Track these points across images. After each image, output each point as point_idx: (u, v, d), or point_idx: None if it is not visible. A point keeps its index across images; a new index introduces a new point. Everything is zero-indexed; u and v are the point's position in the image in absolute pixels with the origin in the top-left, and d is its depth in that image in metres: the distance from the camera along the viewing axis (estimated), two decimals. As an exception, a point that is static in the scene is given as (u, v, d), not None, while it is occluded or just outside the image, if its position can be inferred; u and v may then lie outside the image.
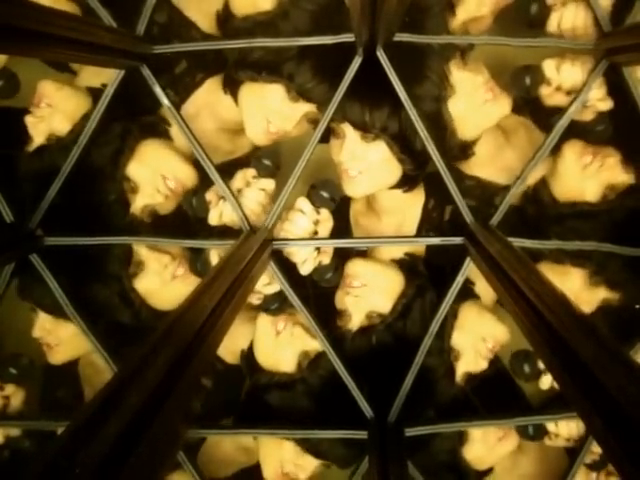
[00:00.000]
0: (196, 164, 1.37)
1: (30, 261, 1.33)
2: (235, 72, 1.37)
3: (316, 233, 1.34)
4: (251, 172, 1.35)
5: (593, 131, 1.32)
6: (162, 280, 1.40)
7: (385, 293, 1.38)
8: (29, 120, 1.39)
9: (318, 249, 1.35)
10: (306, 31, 1.28)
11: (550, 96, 1.33)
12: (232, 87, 1.40)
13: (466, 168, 1.48)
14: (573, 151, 1.34)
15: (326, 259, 1.37)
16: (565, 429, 1.37)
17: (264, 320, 1.41)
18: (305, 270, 1.35)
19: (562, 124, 1.24)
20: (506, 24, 1.42)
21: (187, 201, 1.38)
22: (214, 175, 1.31)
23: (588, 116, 1.32)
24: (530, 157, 1.29)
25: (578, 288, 1.36)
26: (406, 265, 1.43)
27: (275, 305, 1.39)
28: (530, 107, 1.46)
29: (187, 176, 1.39)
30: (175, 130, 1.41)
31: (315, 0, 1.30)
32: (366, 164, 1.32)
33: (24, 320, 1.49)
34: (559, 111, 1.30)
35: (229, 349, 1.51)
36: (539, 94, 1.34)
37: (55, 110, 1.37)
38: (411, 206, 1.51)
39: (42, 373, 1.59)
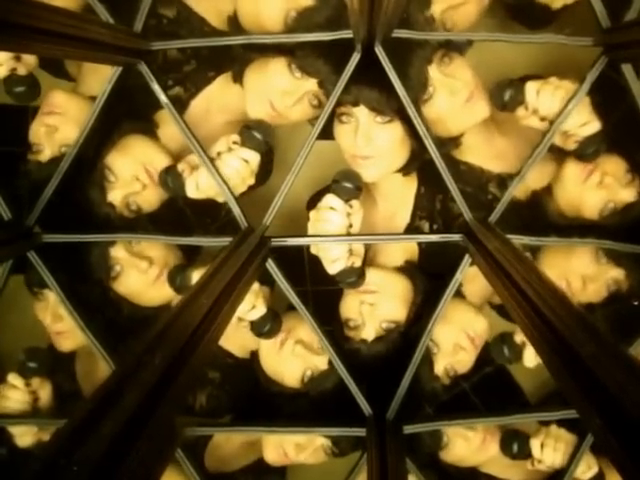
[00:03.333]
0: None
1: (28, 258, 1.32)
2: (243, 55, 1.37)
3: (351, 226, 1.30)
4: (234, 137, 1.31)
5: (583, 155, 1.28)
6: (143, 283, 1.39)
7: (399, 300, 1.38)
8: (40, 130, 1.38)
9: (351, 250, 1.31)
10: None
11: (525, 118, 1.29)
12: (240, 75, 1.39)
13: (458, 154, 1.48)
14: (575, 167, 1.33)
15: (358, 261, 1.33)
16: (549, 457, 1.36)
17: None
18: (333, 269, 1.31)
19: (560, 121, 1.24)
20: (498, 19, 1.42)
21: (163, 182, 1.33)
22: (210, 168, 1.29)
23: (570, 145, 1.28)
24: (527, 154, 1.28)
25: (586, 265, 1.37)
26: (409, 271, 1.43)
27: (267, 327, 1.33)
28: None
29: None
30: (165, 132, 1.41)
31: (319, 23, 1.27)
32: (379, 147, 1.31)
33: (26, 318, 1.50)
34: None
35: (238, 344, 1.51)
36: (515, 113, 1.30)
37: (68, 120, 1.37)
38: (406, 192, 1.50)
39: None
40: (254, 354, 1.47)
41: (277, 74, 1.33)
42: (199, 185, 1.30)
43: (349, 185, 1.28)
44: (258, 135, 1.30)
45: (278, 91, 1.33)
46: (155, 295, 1.42)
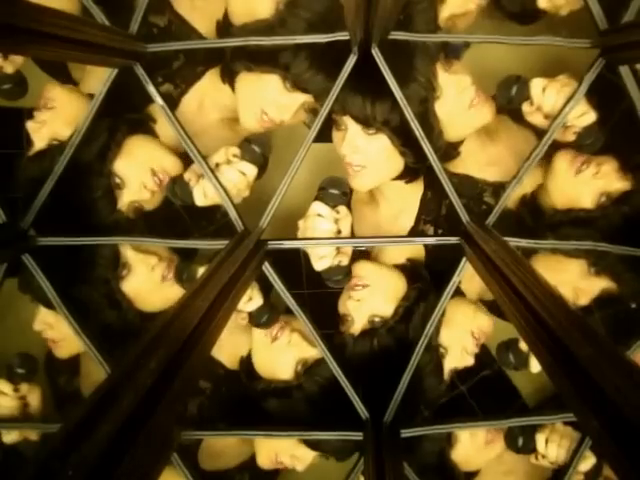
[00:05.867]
0: (185, 158, 1.36)
1: (22, 261, 1.31)
2: (232, 62, 1.37)
3: (339, 232, 1.31)
4: (234, 150, 1.32)
5: (583, 146, 1.30)
6: (150, 282, 1.38)
7: (387, 296, 1.37)
8: (31, 125, 1.37)
9: (338, 248, 1.31)
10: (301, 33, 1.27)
11: (530, 114, 1.32)
12: (229, 77, 1.40)
13: (453, 167, 1.48)
14: (565, 159, 1.34)
15: (345, 260, 1.33)
16: (553, 453, 1.36)
17: (259, 330, 1.40)
18: (320, 266, 1.32)
19: (558, 122, 1.24)
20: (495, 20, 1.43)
21: (171, 192, 1.34)
22: (207, 172, 1.29)
23: (570, 137, 1.30)
24: (524, 157, 1.28)
25: (577, 277, 1.36)
26: (408, 269, 1.43)
27: (264, 318, 1.35)
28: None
29: (174, 168, 1.37)
30: (161, 127, 1.40)
31: (312, 7, 1.28)
32: (368, 157, 1.32)
33: (22, 320, 1.49)
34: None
35: (230, 355, 1.51)
36: (521, 109, 1.32)
37: (58, 114, 1.36)
38: (410, 195, 1.50)
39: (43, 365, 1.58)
40: (244, 358, 1.46)
41: (272, 90, 1.33)
42: (206, 192, 1.31)
43: (335, 191, 1.29)
44: (258, 149, 1.32)
45: (274, 106, 1.34)
46: (159, 298, 1.42)
